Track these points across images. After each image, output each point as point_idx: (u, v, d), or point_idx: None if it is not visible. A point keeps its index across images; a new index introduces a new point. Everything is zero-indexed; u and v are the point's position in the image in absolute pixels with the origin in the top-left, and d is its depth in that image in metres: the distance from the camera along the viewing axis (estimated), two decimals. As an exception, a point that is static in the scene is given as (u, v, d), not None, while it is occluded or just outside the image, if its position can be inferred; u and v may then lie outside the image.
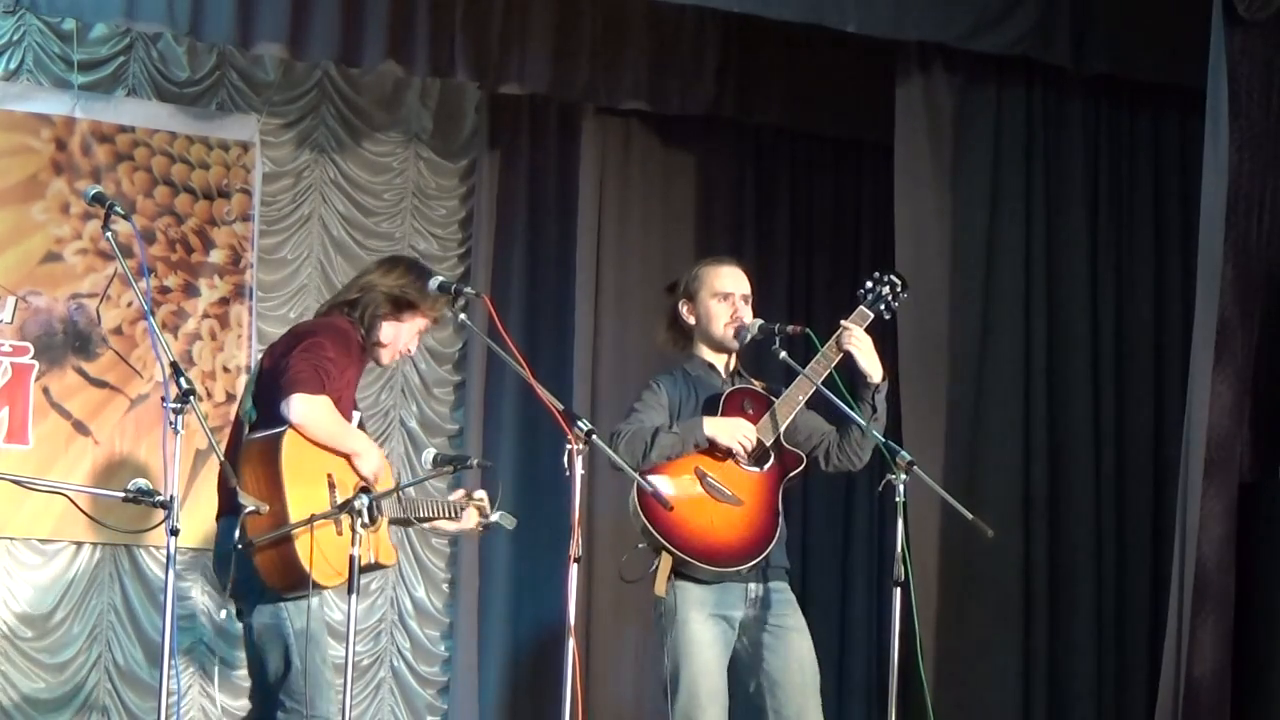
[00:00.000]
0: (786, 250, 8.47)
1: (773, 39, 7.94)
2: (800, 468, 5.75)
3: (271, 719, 5.42)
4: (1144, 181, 8.30)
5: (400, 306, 5.63)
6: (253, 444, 5.34)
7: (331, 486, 5.37)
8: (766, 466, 5.67)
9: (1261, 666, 7.23)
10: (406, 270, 5.72)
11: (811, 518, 8.34)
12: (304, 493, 5.26)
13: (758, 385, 5.84)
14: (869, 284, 5.84)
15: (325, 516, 5.27)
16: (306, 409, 5.30)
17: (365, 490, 5.30)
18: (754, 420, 5.67)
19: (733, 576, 5.61)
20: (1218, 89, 7.29)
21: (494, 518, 5.88)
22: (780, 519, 5.66)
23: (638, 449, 5.56)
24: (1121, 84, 8.18)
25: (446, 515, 5.81)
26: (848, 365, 5.72)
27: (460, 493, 5.97)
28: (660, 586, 5.56)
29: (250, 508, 4.97)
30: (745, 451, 5.62)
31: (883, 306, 5.82)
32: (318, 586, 5.29)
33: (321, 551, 5.25)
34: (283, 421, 5.29)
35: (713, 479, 5.62)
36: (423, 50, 7.33)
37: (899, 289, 5.83)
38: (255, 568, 5.25)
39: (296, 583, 5.26)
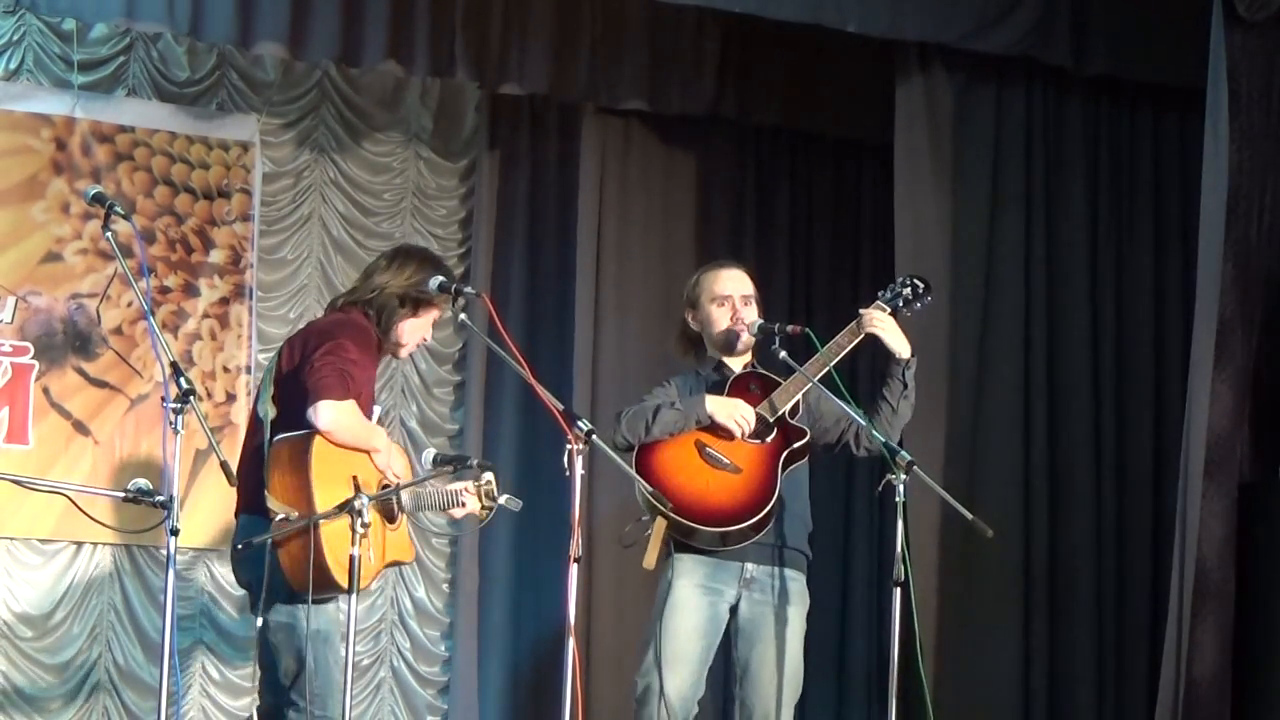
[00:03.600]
0: (786, 250, 8.46)
1: (773, 39, 7.94)
2: (803, 440, 5.77)
3: (283, 716, 5.43)
4: (1144, 181, 8.29)
5: (417, 304, 5.60)
6: (281, 446, 5.29)
7: (357, 489, 5.32)
8: (768, 440, 5.72)
9: (1261, 666, 7.24)
10: (419, 267, 5.63)
11: (812, 518, 8.32)
12: (331, 494, 5.23)
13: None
14: (892, 284, 5.87)
15: (324, 517, 5.27)
16: (335, 415, 5.26)
17: (360, 491, 5.31)
18: (759, 399, 5.73)
19: (729, 554, 5.65)
20: (1218, 89, 7.29)
21: (500, 501, 5.77)
22: (779, 489, 5.69)
23: (639, 426, 5.68)
24: (1121, 84, 8.17)
25: (454, 504, 5.76)
26: (871, 349, 5.79)
27: (463, 484, 5.84)
28: (650, 559, 5.63)
29: (280, 515, 5.12)
30: (742, 431, 5.67)
31: (901, 303, 5.83)
32: (341, 589, 5.28)
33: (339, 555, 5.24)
34: (309, 424, 5.26)
35: (711, 450, 5.69)
36: (423, 50, 7.34)
37: (921, 290, 5.83)
38: (281, 569, 5.26)
39: (320, 585, 5.26)
